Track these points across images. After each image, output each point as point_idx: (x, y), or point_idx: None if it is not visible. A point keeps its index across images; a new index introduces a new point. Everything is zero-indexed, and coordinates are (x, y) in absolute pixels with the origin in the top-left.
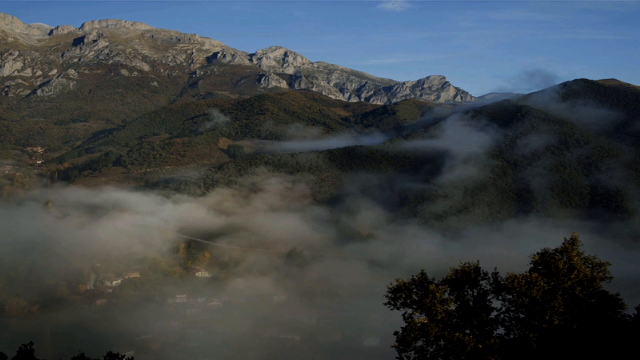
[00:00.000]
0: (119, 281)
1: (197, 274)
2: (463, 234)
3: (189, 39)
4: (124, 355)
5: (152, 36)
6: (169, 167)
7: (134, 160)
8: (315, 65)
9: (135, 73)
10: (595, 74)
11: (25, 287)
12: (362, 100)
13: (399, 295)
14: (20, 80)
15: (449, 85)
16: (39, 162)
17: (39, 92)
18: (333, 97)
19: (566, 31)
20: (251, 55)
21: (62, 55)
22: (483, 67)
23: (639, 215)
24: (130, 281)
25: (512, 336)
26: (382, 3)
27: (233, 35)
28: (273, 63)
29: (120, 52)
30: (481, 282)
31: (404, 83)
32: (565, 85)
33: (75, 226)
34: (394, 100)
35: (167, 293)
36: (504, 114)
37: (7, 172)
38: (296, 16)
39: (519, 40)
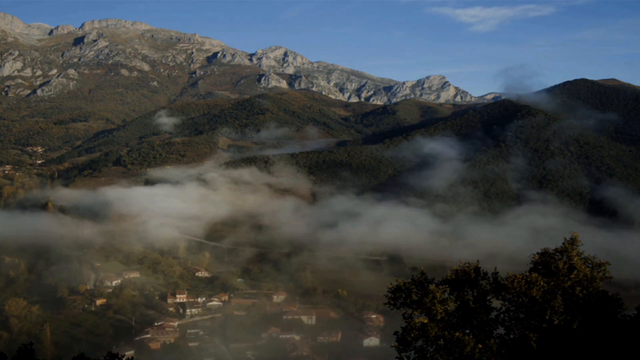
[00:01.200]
0: (119, 281)
1: (197, 274)
2: (463, 233)
3: (189, 39)
4: (124, 355)
5: (152, 36)
6: (169, 167)
7: (134, 160)
8: (315, 65)
9: (135, 73)
10: (595, 74)
11: (25, 287)
12: (362, 100)
13: (398, 295)
14: (20, 80)
15: (449, 85)
16: (39, 162)
17: (39, 92)
18: (333, 97)
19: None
20: (251, 55)
21: (62, 55)
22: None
23: (638, 214)
24: (130, 281)
25: (512, 336)
26: (474, 25)
27: (233, 35)
28: (273, 63)
29: (120, 52)
30: (481, 282)
31: (404, 83)
32: (565, 85)
33: (74, 226)
34: (394, 100)
35: (167, 293)
36: (503, 114)
37: (7, 172)
38: (397, 36)
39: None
